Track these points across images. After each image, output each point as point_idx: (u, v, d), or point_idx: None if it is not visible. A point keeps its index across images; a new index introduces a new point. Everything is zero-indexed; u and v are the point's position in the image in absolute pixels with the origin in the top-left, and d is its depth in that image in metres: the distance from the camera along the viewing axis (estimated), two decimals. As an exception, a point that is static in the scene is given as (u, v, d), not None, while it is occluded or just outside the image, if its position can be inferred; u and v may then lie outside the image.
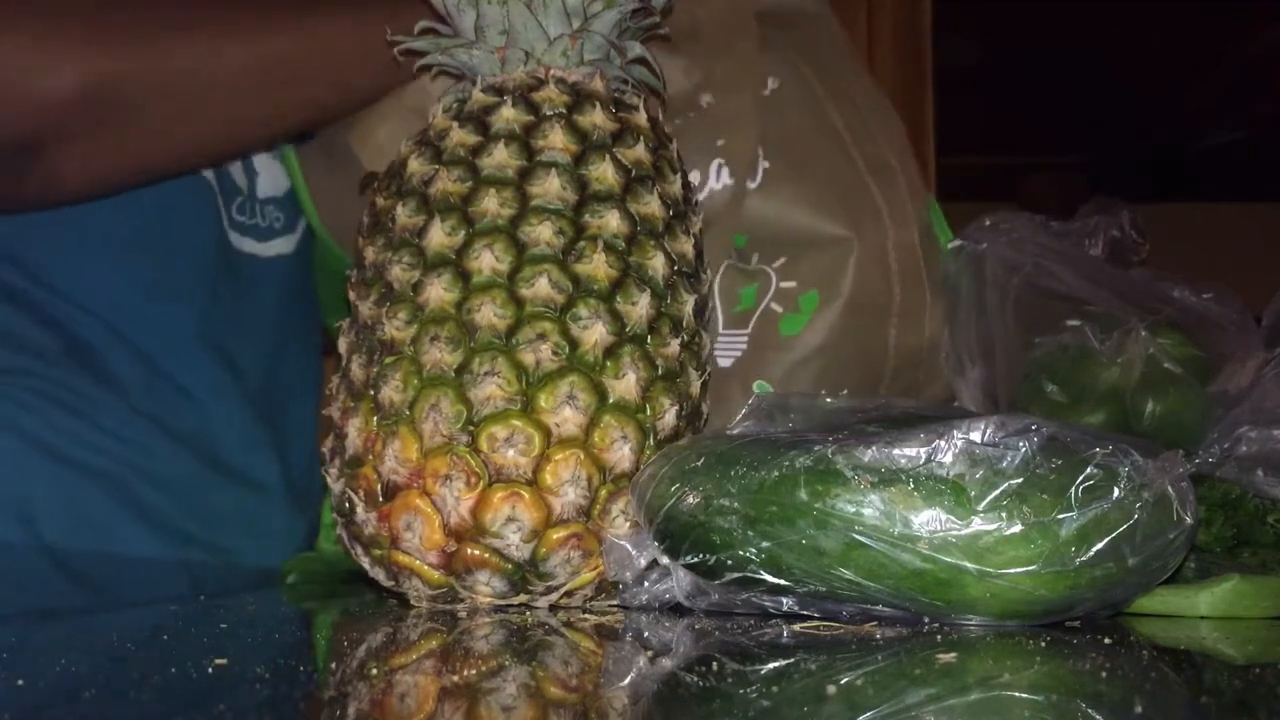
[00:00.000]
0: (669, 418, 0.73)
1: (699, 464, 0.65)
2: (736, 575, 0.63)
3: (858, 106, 0.97)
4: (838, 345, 0.91)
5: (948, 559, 0.59)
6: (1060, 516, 0.59)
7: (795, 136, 0.94)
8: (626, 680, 0.54)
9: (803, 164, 0.94)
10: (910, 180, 0.95)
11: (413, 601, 0.73)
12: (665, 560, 0.67)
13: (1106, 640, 0.59)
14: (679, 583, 0.66)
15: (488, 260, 0.72)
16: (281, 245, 1.10)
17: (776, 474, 0.62)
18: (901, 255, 0.92)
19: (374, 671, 0.54)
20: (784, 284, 0.92)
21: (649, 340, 0.73)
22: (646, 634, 0.64)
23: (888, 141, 0.96)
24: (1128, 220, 0.99)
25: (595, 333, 0.71)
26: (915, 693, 0.49)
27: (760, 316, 0.93)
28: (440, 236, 0.73)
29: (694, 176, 0.93)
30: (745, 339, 0.93)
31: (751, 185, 0.93)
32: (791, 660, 0.56)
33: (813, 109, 0.95)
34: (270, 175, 1.10)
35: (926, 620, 0.62)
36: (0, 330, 0.96)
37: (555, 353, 0.71)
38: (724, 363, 0.93)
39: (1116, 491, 0.59)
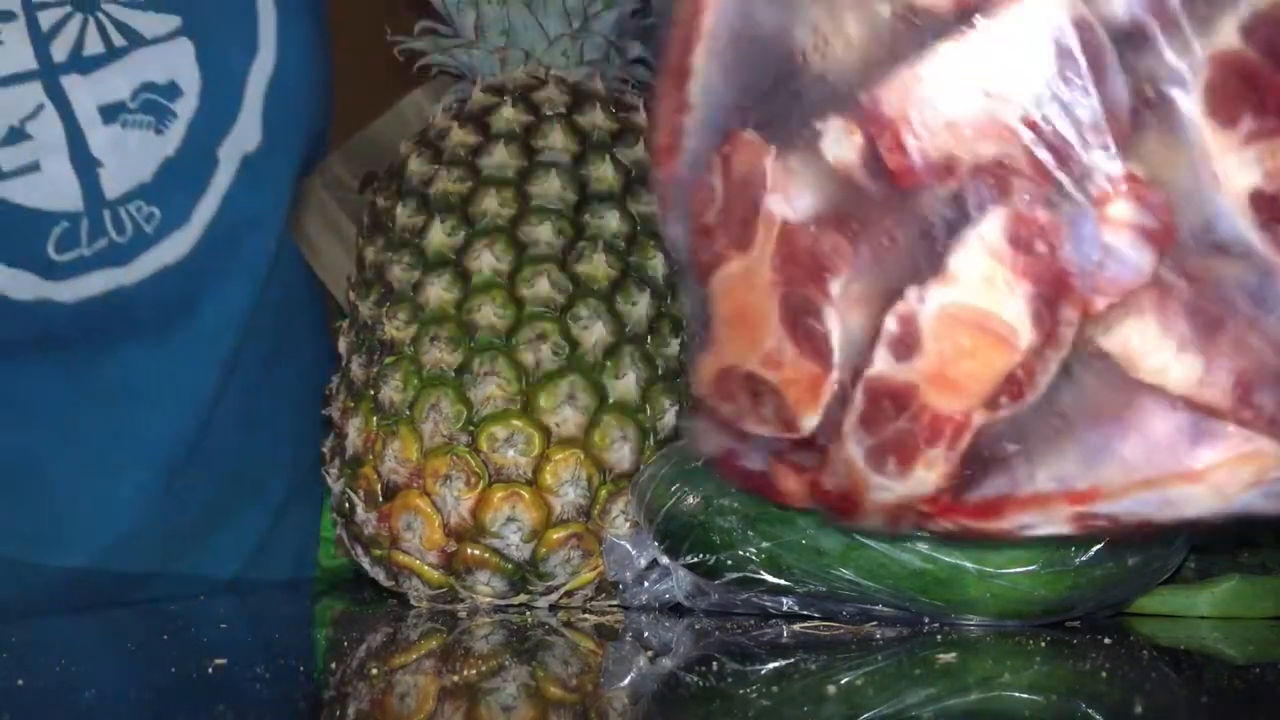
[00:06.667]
0: (669, 418, 0.73)
1: (699, 464, 0.65)
2: (736, 575, 0.63)
3: None
4: None
5: (948, 559, 0.59)
6: (1060, 516, 0.58)
7: None
8: (626, 680, 0.54)
9: None
10: None
11: (413, 601, 0.73)
12: (665, 560, 0.66)
13: (1106, 640, 0.59)
14: (679, 583, 0.66)
15: (488, 260, 0.72)
16: (169, 250, 0.78)
17: (776, 474, 0.62)
18: None
19: (374, 671, 0.54)
20: None
21: (649, 340, 0.73)
22: (646, 634, 0.64)
23: None
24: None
25: (595, 333, 0.71)
26: (915, 693, 0.49)
27: None
28: (440, 236, 0.73)
29: None
30: None
31: None
32: (791, 660, 0.56)
33: None
34: (128, 150, 0.74)
35: (926, 620, 0.62)
36: None
37: (555, 353, 0.71)
38: None
39: (1116, 491, 0.59)
